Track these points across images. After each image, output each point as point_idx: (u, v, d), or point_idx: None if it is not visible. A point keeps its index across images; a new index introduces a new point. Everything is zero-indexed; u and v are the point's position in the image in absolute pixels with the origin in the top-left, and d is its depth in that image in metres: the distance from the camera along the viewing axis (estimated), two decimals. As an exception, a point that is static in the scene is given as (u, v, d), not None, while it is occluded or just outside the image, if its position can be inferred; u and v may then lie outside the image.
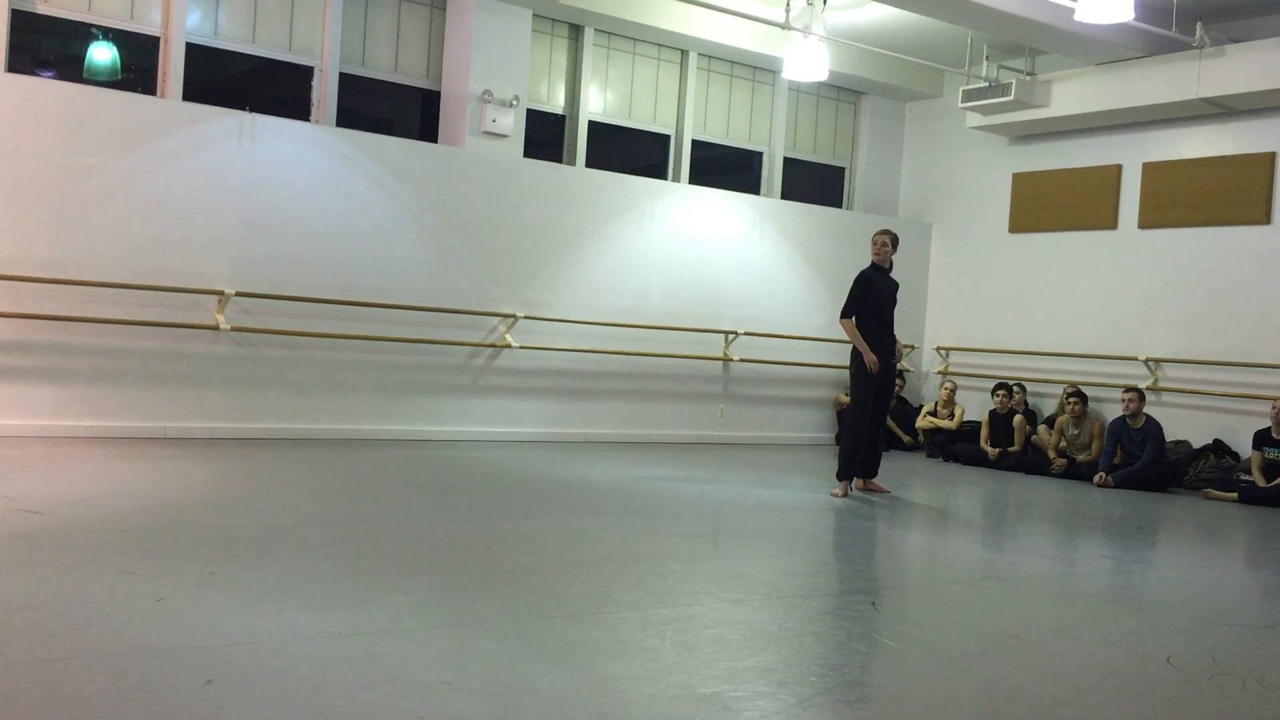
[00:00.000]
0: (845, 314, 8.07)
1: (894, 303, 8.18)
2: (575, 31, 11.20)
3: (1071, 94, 11.21)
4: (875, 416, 8.12)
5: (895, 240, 8.24)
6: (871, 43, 11.48)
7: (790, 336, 11.96)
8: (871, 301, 8.02)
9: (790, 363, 11.96)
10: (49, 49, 9.12)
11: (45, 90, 8.38)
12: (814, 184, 12.99)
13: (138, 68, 9.22)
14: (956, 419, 11.83)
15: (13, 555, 4.46)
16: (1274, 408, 9.40)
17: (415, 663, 3.41)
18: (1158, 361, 10.96)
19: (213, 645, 3.45)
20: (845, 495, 7.93)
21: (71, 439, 8.18)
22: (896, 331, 8.11)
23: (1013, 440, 11.04)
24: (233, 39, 9.54)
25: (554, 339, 10.51)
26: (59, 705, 2.90)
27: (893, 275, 8.28)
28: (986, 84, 11.39)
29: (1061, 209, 11.86)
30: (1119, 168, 11.42)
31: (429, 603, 4.17)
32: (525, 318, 10.27)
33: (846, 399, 12.25)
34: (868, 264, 8.27)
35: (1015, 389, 11.34)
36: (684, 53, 11.84)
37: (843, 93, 13.07)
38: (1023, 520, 8.05)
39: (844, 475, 8.00)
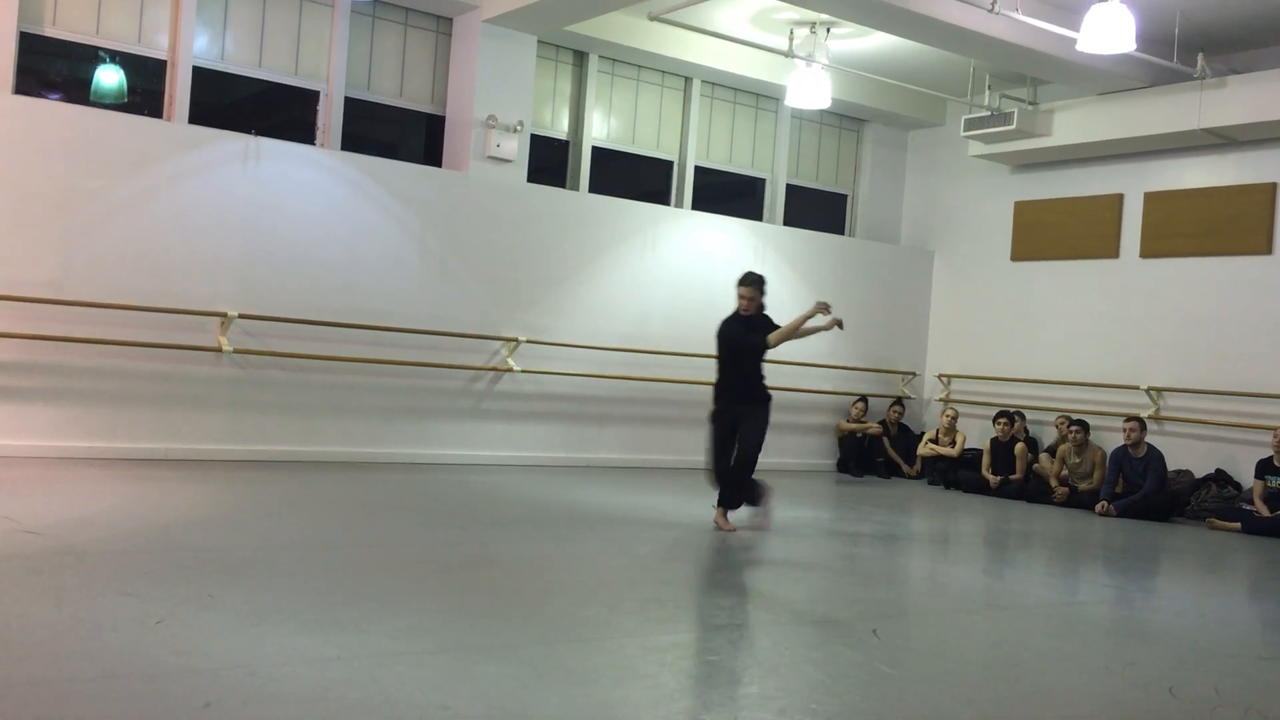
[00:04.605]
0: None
1: (741, 346, 7.38)
2: (579, 58, 11.27)
3: (1073, 123, 11.26)
4: (739, 457, 7.38)
5: (757, 283, 7.44)
6: (874, 71, 11.54)
7: (792, 363, 11.95)
8: (721, 351, 7.52)
9: (792, 389, 11.95)
10: (56, 71, 9.17)
11: (52, 112, 8.42)
12: (816, 210, 13.02)
13: (144, 91, 9.27)
14: (958, 446, 11.81)
15: (12, 576, 4.45)
16: (1275, 436, 9.39)
17: (414, 687, 3.40)
18: (1159, 390, 10.95)
19: (212, 668, 3.44)
20: (724, 526, 7.31)
21: (73, 460, 8.17)
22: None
23: (1014, 468, 11.02)
24: (239, 63, 9.59)
25: (556, 363, 10.51)
26: (57, 727, 2.89)
27: (765, 315, 7.50)
28: (989, 113, 11.44)
29: (1063, 238, 11.89)
30: (1120, 197, 11.45)
31: (428, 627, 4.16)
32: (527, 342, 10.28)
33: (848, 425, 12.29)
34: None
35: (1017, 417, 11.34)
36: (687, 80, 11.90)
37: (845, 120, 13.12)
38: (1024, 549, 8.03)
39: (722, 503, 7.42)
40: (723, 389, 7.50)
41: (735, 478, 7.38)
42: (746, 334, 7.39)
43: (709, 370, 11.50)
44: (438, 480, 8.78)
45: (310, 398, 9.32)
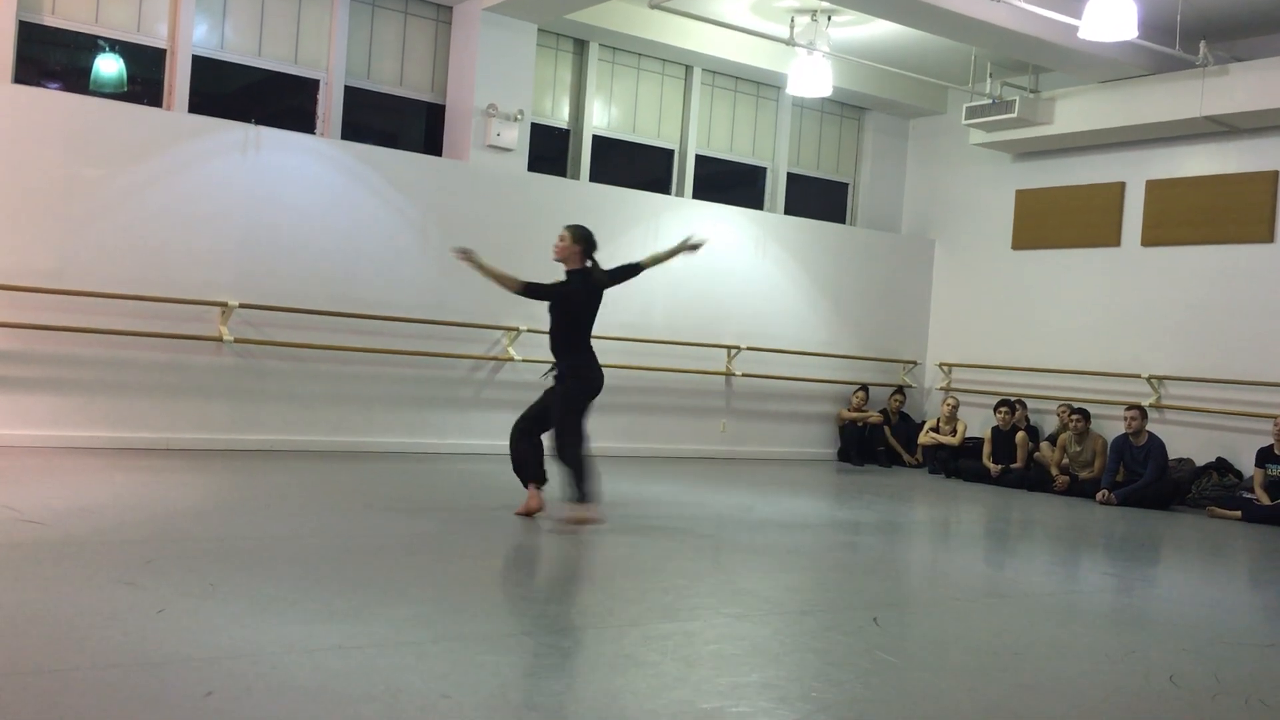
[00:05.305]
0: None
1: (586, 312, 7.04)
2: (580, 46, 11.24)
3: (1075, 111, 11.23)
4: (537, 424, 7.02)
5: (578, 236, 7.01)
6: (875, 59, 11.51)
7: (793, 352, 11.96)
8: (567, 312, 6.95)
9: (793, 378, 11.96)
10: (56, 60, 9.16)
11: (51, 101, 8.41)
12: (817, 199, 13.00)
13: (144, 80, 9.25)
14: (959, 435, 11.81)
15: (13, 565, 4.46)
16: (1276, 425, 9.39)
17: (415, 676, 3.41)
18: (1160, 379, 10.94)
19: (213, 657, 3.44)
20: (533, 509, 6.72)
21: (73, 449, 8.18)
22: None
23: (1015, 457, 11.02)
24: (238, 52, 9.57)
25: (557, 353, 10.50)
26: (59, 716, 2.89)
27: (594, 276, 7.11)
28: (990, 101, 11.41)
29: (1064, 226, 11.87)
30: (1122, 185, 11.43)
31: (429, 616, 4.16)
32: (528, 331, 10.27)
33: (849, 414, 12.29)
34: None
35: (1018, 405, 11.33)
36: (688, 68, 11.87)
37: (846, 109, 13.09)
38: (1025, 537, 8.03)
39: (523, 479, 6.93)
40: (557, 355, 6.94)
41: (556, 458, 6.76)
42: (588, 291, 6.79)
43: (711, 359, 11.59)
44: (438, 469, 8.78)
45: (311, 387, 9.32)
